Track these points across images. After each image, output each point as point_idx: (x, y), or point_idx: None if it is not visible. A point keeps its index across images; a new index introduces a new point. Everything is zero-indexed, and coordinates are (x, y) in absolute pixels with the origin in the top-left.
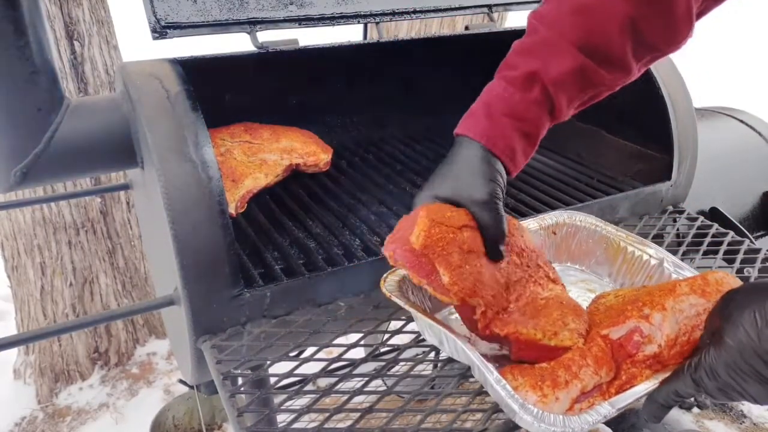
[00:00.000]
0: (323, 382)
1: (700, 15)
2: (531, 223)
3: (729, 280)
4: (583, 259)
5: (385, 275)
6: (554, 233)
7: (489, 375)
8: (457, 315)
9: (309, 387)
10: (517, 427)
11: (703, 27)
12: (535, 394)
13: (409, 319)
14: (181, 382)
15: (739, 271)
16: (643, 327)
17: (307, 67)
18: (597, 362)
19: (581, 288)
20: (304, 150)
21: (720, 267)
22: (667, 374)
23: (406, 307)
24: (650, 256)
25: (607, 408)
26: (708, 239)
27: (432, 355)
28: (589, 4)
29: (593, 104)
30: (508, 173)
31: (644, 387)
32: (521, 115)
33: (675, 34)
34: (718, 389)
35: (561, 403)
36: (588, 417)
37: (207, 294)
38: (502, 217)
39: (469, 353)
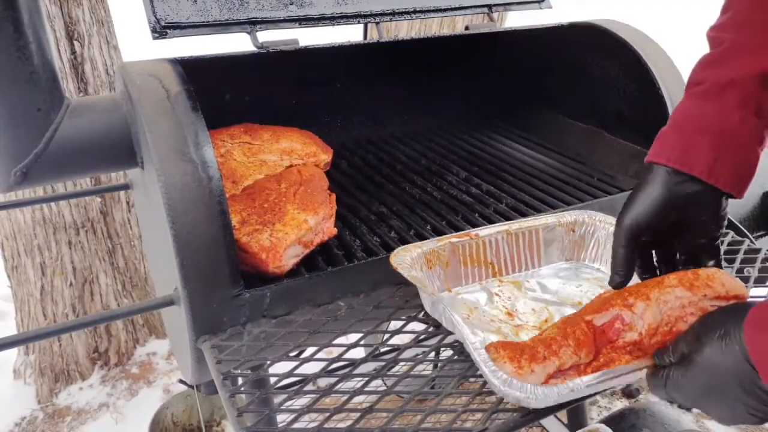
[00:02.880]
0: (323, 382)
1: None
2: (549, 218)
3: (720, 276)
4: (599, 258)
5: (396, 250)
6: (573, 231)
7: (471, 346)
8: (462, 296)
9: (309, 387)
10: (518, 426)
11: (703, 27)
12: (512, 365)
13: (409, 318)
14: (181, 382)
15: (739, 271)
16: (624, 315)
17: (307, 67)
18: (578, 344)
19: (594, 284)
20: (304, 151)
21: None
22: (648, 362)
23: (410, 279)
24: None
25: (577, 382)
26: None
27: (432, 355)
28: None
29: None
30: (728, 195)
31: (617, 371)
32: (721, 127)
33: None
34: (686, 402)
35: (536, 375)
36: (555, 389)
37: (207, 294)
38: (621, 256)
39: (459, 326)
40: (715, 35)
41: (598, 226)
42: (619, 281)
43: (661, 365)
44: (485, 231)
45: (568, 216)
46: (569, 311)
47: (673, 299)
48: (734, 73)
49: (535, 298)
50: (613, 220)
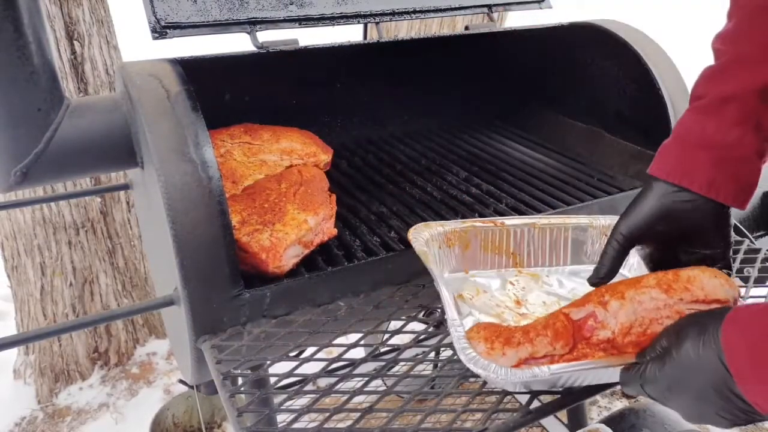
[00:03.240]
0: (323, 382)
1: None
2: (582, 219)
3: (702, 278)
4: (627, 265)
5: (417, 225)
6: (605, 235)
7: (448, 318)
8: (476, 279)
9: (309, 387)
10: (518, 426)
11: (703, 27)
12: (485, 345)
13: (409, 318)
14: (181, 382)
15: (739, 271)
16: (598, 312)
17: (307, 67)
18: (556, 335)
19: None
20: (304, 151)
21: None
22: (621, 359)
23: (417, 250)
24: None
25: (543, 369)
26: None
27: (432, 355)
28: None
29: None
30: (728, 206)
31: (586, 364)
32: (720, 142)
33: None
34: (657, 396)
35: (507, 358)
36: (518, 372)
37: (207, 294)
38: (609, 258)
39: (444, 302)
40: (718, 47)
41: (604, 226)
42: (595, 281)
43: (639, 361)
44: (511, 221)
45: (602, 219)
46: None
47: (648, 300)
48: (734, 88)
49: (549, 292)
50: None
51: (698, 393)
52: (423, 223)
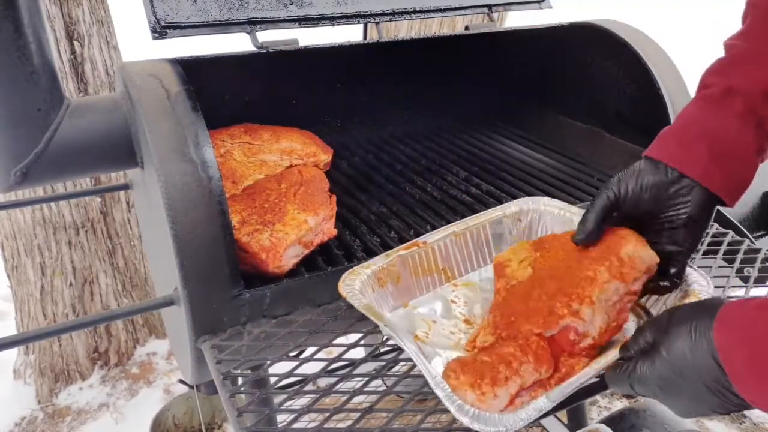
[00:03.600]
0: (323, 382)
1: None
2: (495, 212)
3: (639, 253)
4: None
5: (344, 275)
6: (519, 220)
7: (429, 377)
8: (419, 310)
9: (309, 387)
10: None
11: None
12: (474, 393)
13: None
14: (181, 382)
15: (739, 271)
16: (577, 326)
17: (307, 68)
18: (537, 360)
19: None
20: (304, 151)
21: (720, 267)
22: (605, 360)
23: (360, 309)
24: None
25: (544, 401)
26: (708, 239)
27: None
28: None
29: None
30: (722, 204)
31: (579, 379)
32: (718, 135)
33: None
34: (648, 394)
35: (499, 399)
36: (523, 413)
37: (207, 294)
38: (594, 216)
39: (413, 354)
40: (729, 43)
41: (544, 211)
42: (580, 238)
43: (624, 357)
44: (433, 237)
45: (512, 206)
46: None
47: (612, 294)
48: (739, 83)
49: (489, 298)
50: (558, 203)
51: (693, 392)
52: (349, 272)
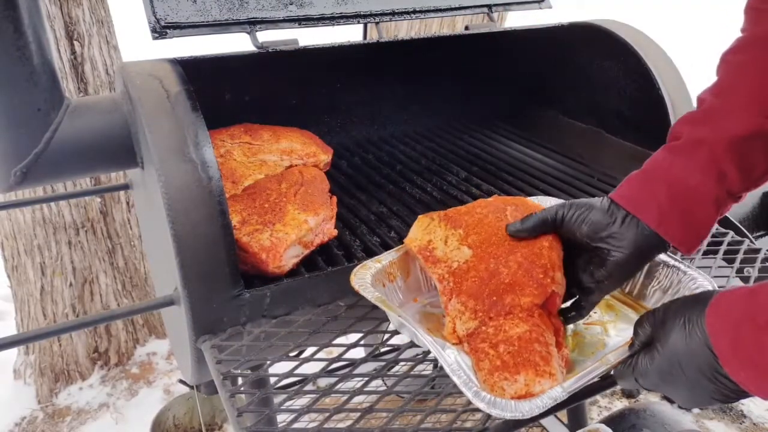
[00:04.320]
0: (323, 382)
1: None
2: None
3: (528, 201)
4: None
5: (355, 269)
6: None
7: (446, 365)
8: (428, 305)
9: (309, 387)
10: (518, 426)
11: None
12: (541, 379)
13: None
14: (181, 382)
15: (739, 270)
16: (558, 291)
17: (307, 67)
18: (548, 327)
19: None
20: (304, 151)
21: (720, 267)
22: (619, 358)
23: (374, 301)
24: None
25: (559, 391)
26: (708, 239)
27: (432, 355)
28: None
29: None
30: (668, 247)
31: (592, 371)
32: (680, 181)
33: None
34: (651, 387)
35: (556, 377)
36: (539, 401)
37: (207, 294)
38: (539, 219)
39: (429, 344)
40: (701, 97)
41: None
42: (514, 231)
43: (632, 353)
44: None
45: (529, 201)
46: None
47: (557, 254)
48: (706, 134)
49: None
50: (556, 201)
51: (690, 380)
52: (360, 266)
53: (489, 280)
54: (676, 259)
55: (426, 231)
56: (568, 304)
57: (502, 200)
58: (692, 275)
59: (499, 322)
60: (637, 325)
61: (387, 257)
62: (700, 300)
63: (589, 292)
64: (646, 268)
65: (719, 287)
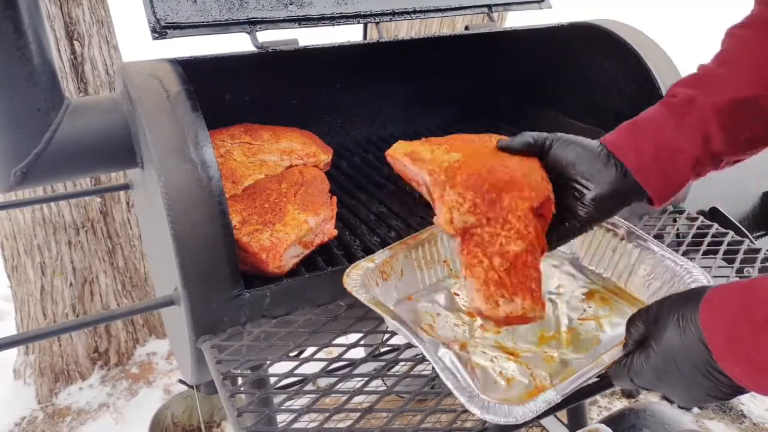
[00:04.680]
0: (323, 382)
1: None
2: None
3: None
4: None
5: (348, 270)
6: None
7: (439, 370)
8: (422, 303)
9: (309, 387)
10: (518, 426)
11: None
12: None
13: None
14: (181, 382)
15: (739, 270)
16: (551, 195)
17: (307, 67)
18: (538, 235)
19: (547, 260)
20: (304, 151)
21: (720, 267)
22: (608, 355)
23: (367, 303)
24: (613, 228)
25: (552, 394)
26: (708, 239)
27: None
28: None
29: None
30: (650, 202)
31: (586, 374)
32: (666, 142)
33: None
34: (647, 386)
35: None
36: (532, 405)
37: (207, 294)
38: (528, 139)
39: (422, 347)
40: (701, 65)
41: None
42: (504, 145)
43: (626, 353)
44: (436, 228)
45: None
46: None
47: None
48: (699, 96)
49: None
50: None
51: (686, 378)
52: (353, 265)
53: (487, 176)
54: (671, 253)
55: (408, 145)
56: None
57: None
58: (687, 268)
59: (496, 229)
60: (630, 323)
61: (380, 256)
62: (693, 296)
63: (568, 224)
64: (610, 245)
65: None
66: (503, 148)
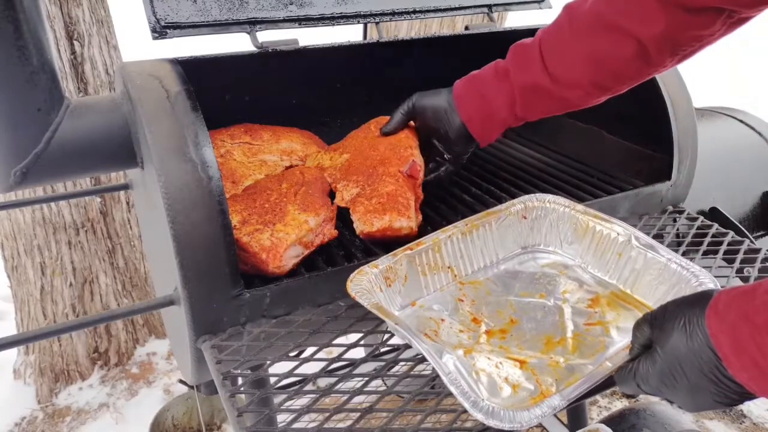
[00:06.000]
0: (323, 382)
1: None
2: (501, 209)
3: (383, 117)
4: (554, 241)
5: (352, 275)
6: (525, 217)
7: (443, 375)
8: (426, 309)
9: (309, 387)
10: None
11: None
12: (404, 218)
13: None
14: (181, 382)
15: (739, 270)
16: (417, 161)
17: (307, 67)
18: (410, 185)
19: (552, 268)
20: (304, 151)
21: (720, 267)
22: (613, 360)
23: (371, 308)
24: (618, 233)
25: (557, 399)
26: (708, 239)
27: None
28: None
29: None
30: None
31: (591, 378)
32: (489, 98)
33: None
34: (653, 392)
35: (412, 218)
36: (537, 410)
37: (207, 294)
38: (399, 118)
39: (425, 352)
40: (536, 36)
41: (549, 208)
42: (386, 131)
43: (632, 358)
44: (439, 235)
45: (517, 204)
46: (532, 307)
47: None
48: (511, 71)
49: (498, 298)
50: (562, 200)
51: (693, 383)
52: (357, 271)
53: (365, 162)
54: (678, 257)
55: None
56: (431, 177)
57: (367, 123)
58: (694, 272)
59: (374, 187)
60: (635, 328)
61: (384, 262)
62: (699, 300)
63: (441, 164)
64: (615, 249)
65: (720, 287)
66: (386, 133)
